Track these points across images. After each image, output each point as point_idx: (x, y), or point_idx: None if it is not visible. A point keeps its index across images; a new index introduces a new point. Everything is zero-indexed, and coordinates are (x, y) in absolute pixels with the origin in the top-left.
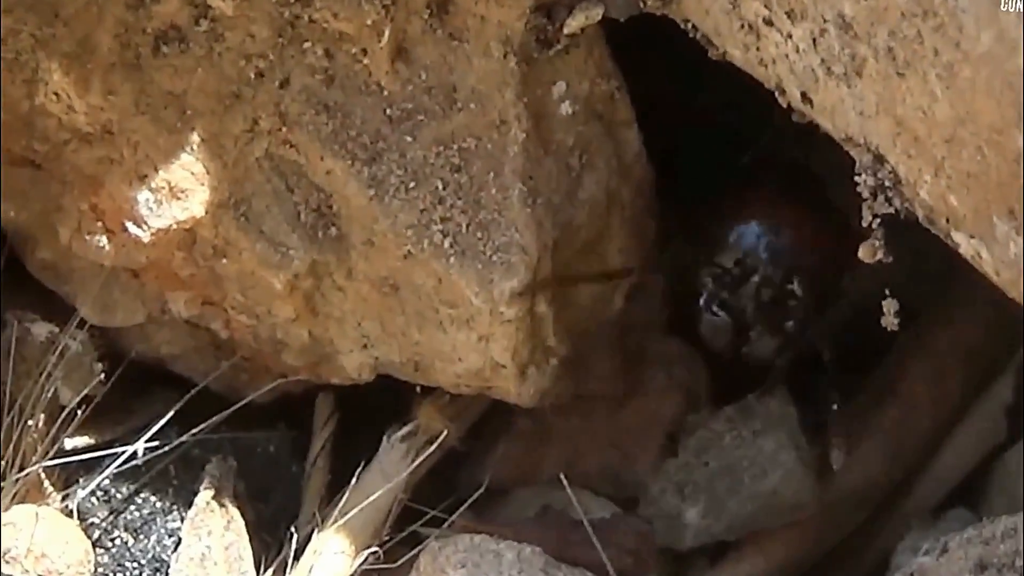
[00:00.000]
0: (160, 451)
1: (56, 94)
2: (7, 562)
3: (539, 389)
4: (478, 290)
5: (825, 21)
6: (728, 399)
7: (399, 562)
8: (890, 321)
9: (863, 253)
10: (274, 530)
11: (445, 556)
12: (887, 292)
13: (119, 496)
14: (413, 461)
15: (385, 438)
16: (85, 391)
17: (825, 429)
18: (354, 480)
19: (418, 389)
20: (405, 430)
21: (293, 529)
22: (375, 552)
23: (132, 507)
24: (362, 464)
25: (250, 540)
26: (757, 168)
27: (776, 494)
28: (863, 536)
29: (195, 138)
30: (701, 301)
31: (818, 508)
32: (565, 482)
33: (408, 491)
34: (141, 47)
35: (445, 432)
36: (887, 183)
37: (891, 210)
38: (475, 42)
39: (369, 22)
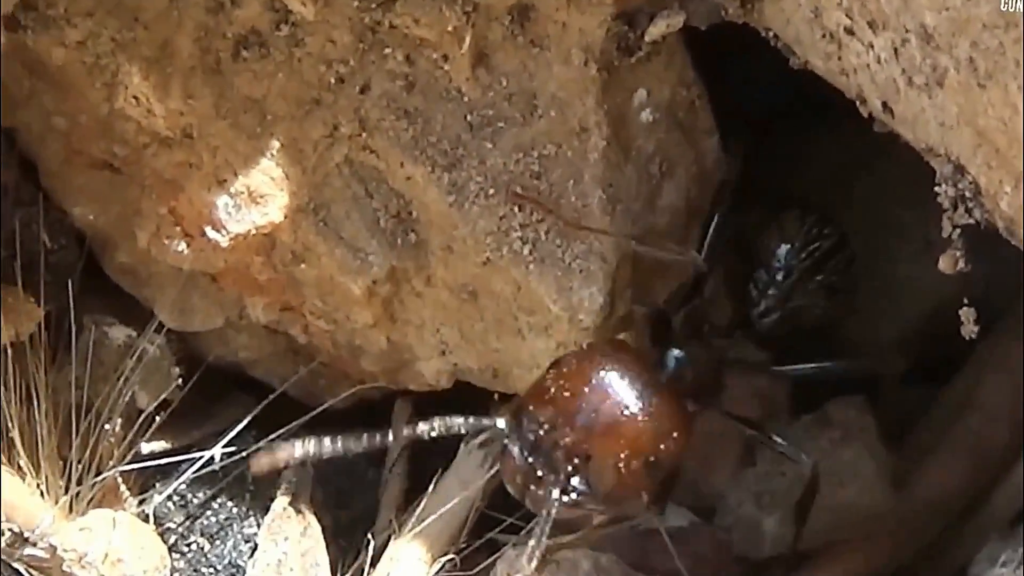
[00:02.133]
0: (237, 456)
1: (136, 98)
2: (83, 567)
3: None
4: (557, 297)
5: (907, 31)
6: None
7: (476, 569)
8: (969, 330)
9: (943, 264)
10: (351, 536)
11: (522, 564)
12: (965, 301)
13: (196, 501)
14: (491, 468)
15: (463, 445)
16: (162, 395)
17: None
18: (431, 487)
19: (496, 396)
20: (483, 437)
21: (370, 536)
22: (452, 559)
23: (208, 512)
24: (440, 471)
25: (327, 546)
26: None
27: (854, 504)
28: (940, 547)
29: (275, 143)
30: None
31: (896, 518)
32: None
33: (485, 498)
34: (221, 52)
35: None
36: (967, 194)
37: (971, 221)
38: (556, 49)
39: (450, 28)
